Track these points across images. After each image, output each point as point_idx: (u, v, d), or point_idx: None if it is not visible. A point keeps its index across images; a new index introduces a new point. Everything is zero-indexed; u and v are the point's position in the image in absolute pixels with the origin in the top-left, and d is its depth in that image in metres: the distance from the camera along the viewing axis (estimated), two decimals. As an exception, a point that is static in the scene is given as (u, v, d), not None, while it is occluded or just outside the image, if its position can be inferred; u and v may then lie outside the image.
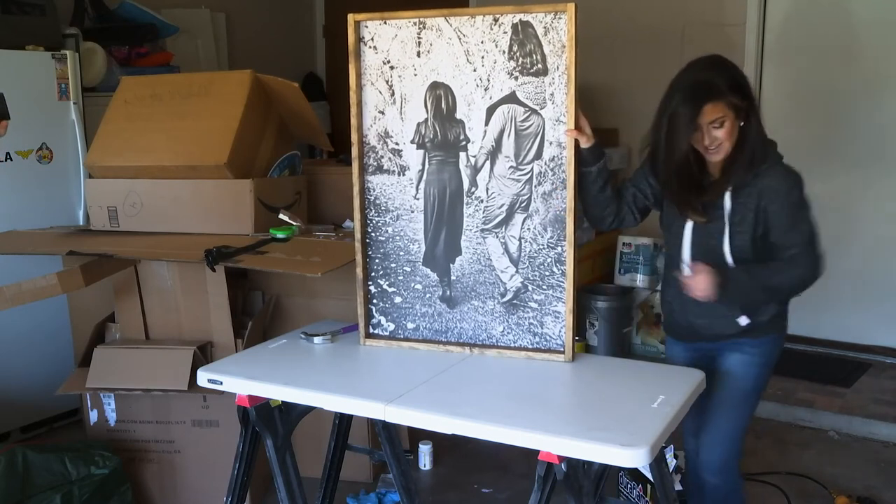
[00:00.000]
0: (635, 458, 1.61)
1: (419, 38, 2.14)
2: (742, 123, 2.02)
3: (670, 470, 1.97)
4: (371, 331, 2.31)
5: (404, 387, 1.94)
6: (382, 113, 2.21)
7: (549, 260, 2.11)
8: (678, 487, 2.71)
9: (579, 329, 4.31)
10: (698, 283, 2.01)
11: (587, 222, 2.37)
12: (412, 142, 2.20)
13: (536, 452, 1.70)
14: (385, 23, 2.16)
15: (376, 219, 2.26)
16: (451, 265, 2.21)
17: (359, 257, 2.27)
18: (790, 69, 4.39)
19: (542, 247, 2.12)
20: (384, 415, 1.86)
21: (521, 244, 2.14)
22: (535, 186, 2.10)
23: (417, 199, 2.22)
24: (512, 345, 2.18)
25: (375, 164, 2.24)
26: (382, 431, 2.44)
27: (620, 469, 2.79)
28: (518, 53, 2.06)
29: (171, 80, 3.35)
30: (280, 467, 2.11)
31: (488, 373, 2.08)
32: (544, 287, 2.13)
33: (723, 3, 4.51)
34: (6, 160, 3.49)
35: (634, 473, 2.82)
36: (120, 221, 3.07)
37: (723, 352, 2.21)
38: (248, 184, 2.93)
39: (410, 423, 1.86)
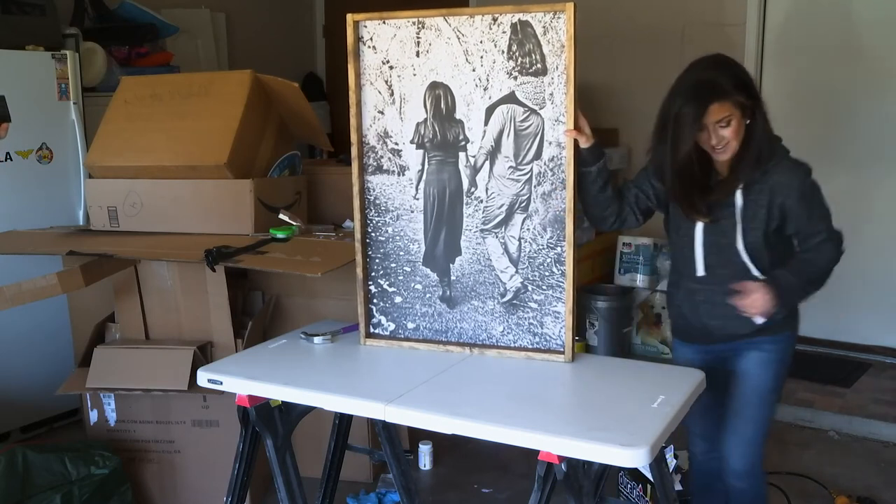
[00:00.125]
0: (635, 458, 1.61)
1: (418, 37, 2.14)
2: (748, 121, 2.01)
3: (670, 470, 1.97)
4: (371, 330, 2.31)
5: (404, 387, 1.94)
6: (382, 113, 2.21)
7: (548, 260, 2.11)
8: (678, 487, 2.72)
9: (579, 329, 4.31)
10: (755, 302, 1.99)
11: (588, 222, 2.37)
12: (412, 142, 2.20)
13: (536, 452, 1.69)
14: (384, 22, 2.16)
15: (376, 219, 2.26)
16: (451, 265, 2.21)
17: (359, 257, 2.27)
18: (790, 69, 4.39)
19: (541, 247, 2.12)
20: (384, 415, 1.85)
21: (520, 244, 2.14)
22: (535, 187, 2.09)
23: (417, 199, 2.22)
24: (512, 345, 2.18)
25: (375, 164, 2.24)
26: (382, 431, 2.44)
27: (620, 469, 2.79)
28: (517, 53, 2.05)
29: (171, 80, 3.35)
30: (280, 467, 2.11)
31: (488, 373, 2.08)
32: (544, 287, 2.13)
33: (723, 3, 4.51)
34: (6, 160, 3.49)
35: (634, 473, 2.82)
36: (120, 221, 3.07)
37: (738, 352, 2.19)
38: (248, 184, 2.93)
39: (410, 423, 1.86)
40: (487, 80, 2.09)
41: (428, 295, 2.25)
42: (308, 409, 2.15)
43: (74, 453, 2.72)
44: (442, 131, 2.16)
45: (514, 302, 2.16)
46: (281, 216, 3.02)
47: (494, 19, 2.06)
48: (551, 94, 2.04)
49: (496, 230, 2.15)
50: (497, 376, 2.06)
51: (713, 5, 4.53)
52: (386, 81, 2.19)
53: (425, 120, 2.17)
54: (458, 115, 2.14)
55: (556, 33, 2.01)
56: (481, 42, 2.08)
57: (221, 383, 2.08)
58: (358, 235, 2.26)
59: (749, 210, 2.05)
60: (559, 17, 2.00)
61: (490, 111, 2.11)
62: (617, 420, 1.72)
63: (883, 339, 4.29)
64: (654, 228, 2.51)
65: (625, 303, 4.42)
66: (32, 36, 3.62)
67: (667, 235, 2.29)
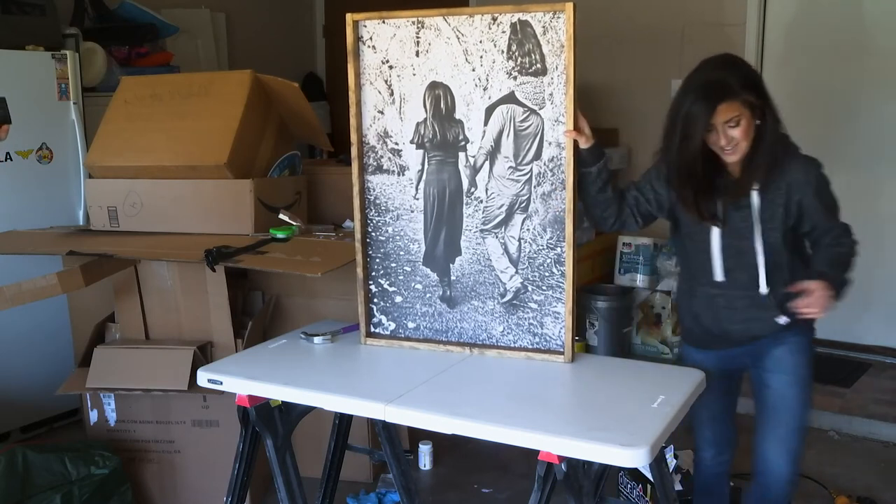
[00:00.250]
0: (635, 458, 1.61)
1: (418, 37, 2.14)
2: (759, 122, 1.99)
3: (670, 470, 1.97)
4: (372, 330, 2.31)
5: (404, 387, 1.94)
6: (382, 113, 2.21)
7: (548, 261, 2.11)
8: (678, 487, 2.72)
9: (579, 329, 4.31)
10: (819, 300, 1.92)
11: (588, 222, 2.36)
12: (411, 142, 2.19)
13: (536, 452, 1.69)
14: (383, 22, 2.16)
15: (376, 218, 2.26)
16: (451, 265, 2.21)
17: (359, 257, 2.27)
18: (790, 69, 4.39)
19: (541, 247, 2.12)
20: (384, 415, 1.85)
21: (520, 245, 2.14)
22: (535, 187, 2.09)
23: (417, 198, 2.22)
24: (512, 345, 2.18)
25: (375, 163, 2.24)
26: (382, 431, 2.44)
27: (620, 469, 2.79)
28: (517, 53, 2.05)
29: (171, 80, 3.35)
30: (280, 467, 2.11)
31: (488, 373, 2.08)
32: (544, 288, 2.12)
33: (723, 3, 4.51)
34: (6, 160, 3.49)
35: (634, 473, 2.82)
36: (120, 221, 3.07)
37: (762, 350, 2.15)
38: (248, 184, 2.93)
39: (410, 423, 1.86)
40: (487, 80, 2.09)
41: (428, 295, 2.25)
42: (308, 409, 2.15)
43: (74, 453, 2.72)
44: (442, 131, 2.16)
45: (514, 302, 2.16)
46: (281, 216, 3.02)
47: (494, 19, 2.06)
48: (551, 95, 2.04)
49: (496, 230, 2.15)
50: (497, 376, 2.06)
51: (713, 5, 4.53)
52: (386, 81, 2.19)
53: (425, 120, 2.17)
54: (457, 115, 2.14)
55: (556, 33, 2.00)
56: (481, 42, 2.08)
57: (221, 383, 2.08)
58: (358, 235, 2.26)
59: (766, 210, 2.03)
60: (559, 17, 1.99)
61: (490, 111, 2.11)
62: (617, 420, 1.72)
63: (883, 339, 4.29)
64: (655, 228, 2.50)
65: (625, 303, 4.42)
66: (32, 36, 3.62)
67: (672, 243, 2.25)
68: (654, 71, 4.64)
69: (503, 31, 2.06)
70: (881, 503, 3.02)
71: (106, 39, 4.14)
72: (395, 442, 2.46)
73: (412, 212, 2.23)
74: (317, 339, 2.32)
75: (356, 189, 2.25)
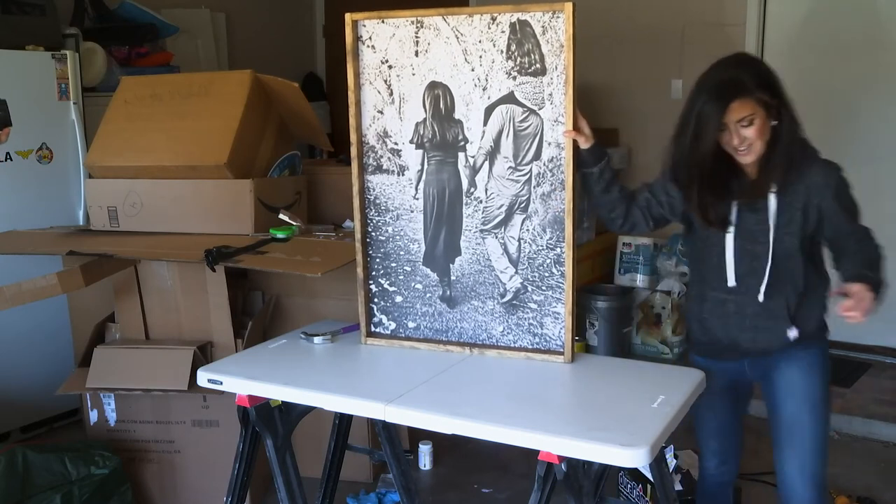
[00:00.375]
0: (635, 458, 1.61)
1: (417, 37, 2.14)
2: (775, 123, 1.93)
3: (670, 470, 1.97)
4: (373, 329, 2.31)
5: (404, 387, 1.94)
6: (381, 112, 2.21)
7: (548, 261, 2.11)
8: (678, 487, 2.72)
9: (579, 329, 4.31)
10: (865, 302, 1.84)
11: (587, 222, 2.36)
12: (411, 142, 2.19)
13: (536, 452, 1.69)
14: (383, 22, 2.16)
15: (376, 218, 2.26)
16: (451, 265, 2.21)
17: (359, 257, 2.27)
18: (791, 69, 4.34)
19: (541, 248, 2.11)
20: (384, 415, 1.85)
21: (520, 245, 2.13)
22: (534, 187, 2.09)
23: (417, 198, 2.22)
24: (512, 345, 2.18)
25: (375, 163, 2.24)
26: (382, 431, 2.44)
27: (620, 469, 2.79)
28: (516, 53, 2.05)
29: (171, 80, 3.35)
30: (280, 467, 2.11)
31: (488, 373, 2.08)
32: (544, 288, 2.12)
33: (723, 3, 4.51)
34: (6, 160, 3.49)
35: (634, 473, 2.82)
36: (120, 221, 3.07)
37: (773, 366, 2.10)
38: (248, 184, 2.93)
39: (410, 423, 1.86)
40: (486, 80, 2.09)
41: (428, 294, 2.25)
42: (308, 409, 2.15)
43: (74, 453, 2.72)
44: (441, 131, 2.16)
45: (514, 302, 2.16)
46: (281, 216, 3.02)
47: (493, 19, 2.06)
48: (550, 95, 2.04)
49: (496, 230, 2.15)
50: (497, 376, 2.06)
51: (713, 5, 4.53)
52: (385, 81, 2.19)
53: (424, 120, 2.17)
54: (457, 115, 2.14)
55: (556, 33, 2.00)
56: (480, 42, 2.08)
57: (221, 383, 2.08)
58: (358, 235, 2.26)
59: (784, 214, 1.97)
60: (558, 17, 1.99)
61: (489, 111, 2.10)
62: (617, 420, 1.72)
63: (883, 339, 4.28)
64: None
65: (625, 303, 4.42)
66: (32, 36, 3.62)
67: (685, 245, 2.22)
68: (655, 71, 4.64)
69: (502, 31, 2.05)
70: (881, 503, 3.01)
71: (106, 39, 4.14)
72: (395, 442, 2.46)
73: (412, 212, 2.23)
74: (317, 339, 2.32)
75: (356, 189, 2.24)
